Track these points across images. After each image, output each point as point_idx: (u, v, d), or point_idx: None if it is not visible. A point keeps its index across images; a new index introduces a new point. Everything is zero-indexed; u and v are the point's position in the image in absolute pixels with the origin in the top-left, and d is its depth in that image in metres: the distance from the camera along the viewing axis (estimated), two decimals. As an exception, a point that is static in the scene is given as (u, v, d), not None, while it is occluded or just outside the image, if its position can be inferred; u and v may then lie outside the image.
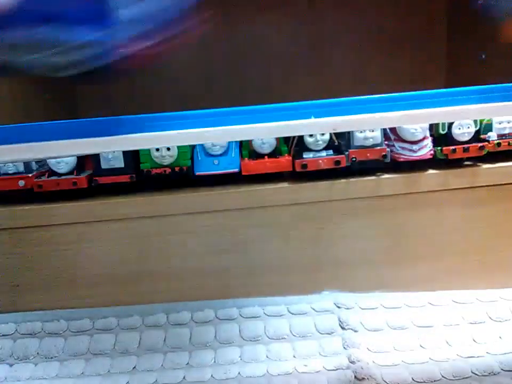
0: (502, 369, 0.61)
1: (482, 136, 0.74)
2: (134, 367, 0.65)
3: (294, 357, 0.65)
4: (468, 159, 0.76)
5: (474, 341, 0.66)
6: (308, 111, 0.43)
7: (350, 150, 0.72)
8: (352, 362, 0.62)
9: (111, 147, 0.44)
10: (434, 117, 0.45)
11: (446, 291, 0.74)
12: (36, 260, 0.71)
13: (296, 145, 0.73)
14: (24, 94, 0.99)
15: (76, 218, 0.70)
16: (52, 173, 0.72)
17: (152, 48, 0.45)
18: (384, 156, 0.72)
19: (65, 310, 0.72)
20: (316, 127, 0.42)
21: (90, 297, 0.73)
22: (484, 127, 0.75)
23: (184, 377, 0.62)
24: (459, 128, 0.73)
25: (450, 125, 0.73)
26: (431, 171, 0.73)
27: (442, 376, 0.60)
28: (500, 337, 0.67)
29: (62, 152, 0.44)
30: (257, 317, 0.71)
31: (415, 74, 1.31)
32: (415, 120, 0.44)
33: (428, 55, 1.32)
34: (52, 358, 0.67)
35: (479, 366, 0.61)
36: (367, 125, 0.44)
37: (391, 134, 0.75)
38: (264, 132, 0.42)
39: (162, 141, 0.44)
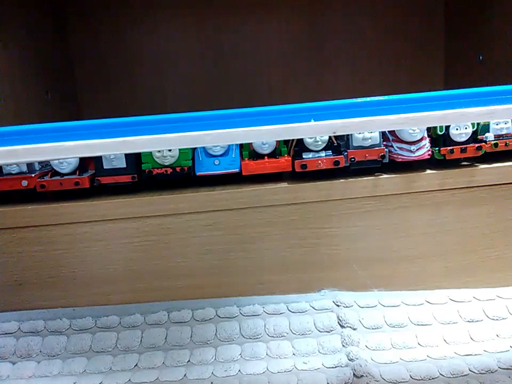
0: (499, 367, 0.61)
1: (479, 137, 0.75)
2: (136, 365, 0.66)
3: (294, 354, 0.66)
4: (465, 159, 0.76)
5: (472, 339, 0.67)
6: (308, 114, 0.43)
7: (348, 151, 0.73)
8: (351, 359, 0.63)
9: (112, 150, 0.44)
10: (433, 120, 0.45)
11: (443, 289, 0.75)
12: (38, 259, 0.72)
13: (295, 145, 0.74)
14: (26, 95, 1.00)
15: (78, 218, 0.71)
16: (55, 173, 0.72)
17: None
18: (383, 156, 0.73)
19: (67, 308, 0.73)
20: (316, 130, 0.42)
21: (92, 295, 0.73)
22: (481, 128, 0.75)
23: (185, 375, 0.63)
24: (457, 129, 0.73)
25: (448, 125, 0.73)
26: (429, 171, 0.73)
27: (440, 374, 0.61)
28: (497, 335, 0.67)
29: (63, 155, 0.44)
30: (257, 315, 0.71)
31: (414, 76, 1.32)
32: (415, 123, 0.44)
33: (427, 57, 1.32)
34: (54, 356, 0.68)
35: (476, 364, 0.62)
36: (367, 127, 0.44)
37: (390, 135, 0.75)
38: (265, 134, 0.43)
39: (163, 143, 0.44)
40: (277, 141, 0.74)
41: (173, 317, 0.72)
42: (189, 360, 0.66)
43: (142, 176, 0.73)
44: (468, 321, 0.70)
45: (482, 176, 0.74)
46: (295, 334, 0.69)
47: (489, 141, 0.75)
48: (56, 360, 0.67)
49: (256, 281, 0.74)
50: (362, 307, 0.72)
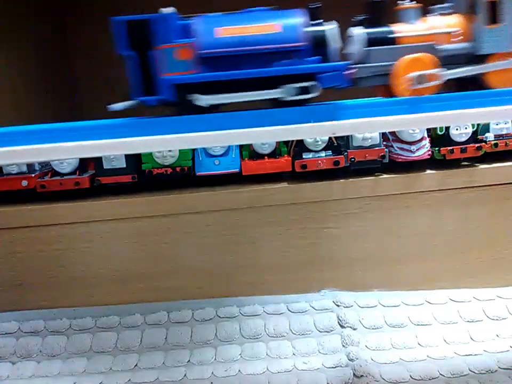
0: (499, 367, 0.61)
1: (479, 137, 0.75)
2: (136, 365, 0.66)
3: (294, 354, 0.66)
4: (465, 159, 0.76)
5: (472, 339, 0.67)
6: (308, 114, 0.43)
7: (349, 151, 0.73)
8: (351, 360, 0.63)
9: (112, 150, 0.44)
10: (433, 121, 0.45)
11: (443, 289, 0.74)
12: (38, 259, 0.72)
13: (295, 146, 0.74)
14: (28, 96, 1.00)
15: (79, 218, 0.71)
16: (55, 173, 0.72)
17: None
18: (383, 156, 0.73)
19: (67, 308, 0.73)
20: (315, 131, 0.42)
21: (92, 295, 0.73)
22: (481, 128, 0.75)
23: (185, 375, 0.63)
24: (457, 129, 0.73)
25: (448, 125, 0.73)
26: (429, 171, 0.73)
27: (440, 374, 0.61)
28: (497, 335, 0.67)
29: (63, 155, 0.44)
30: (257, 315, 0.71)
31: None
32: (414, 124, 0.44)
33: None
34: (54, 356, 0.68)
35: (476, 364, 0.62)
36: (366, 128, 0.44)
37: (390, 135, 0.75)
38: (265, 135, 0.43)
39: (163, 144, 0.44)
40: (277, 141, 0.74)
41: (173, 317, 0.72)
42: (189, 360, 0.66)
43: (142, 176, 0.73)
44: (468, 321, 0.70)
45: (482, 176, 0.73)
46: (295, 334, 0.69)
47: (489, 141, 0.75)
48: (56, 360, 0.67)
49: (256, 281, 0.74)
50: (362, 307, 0.72)
